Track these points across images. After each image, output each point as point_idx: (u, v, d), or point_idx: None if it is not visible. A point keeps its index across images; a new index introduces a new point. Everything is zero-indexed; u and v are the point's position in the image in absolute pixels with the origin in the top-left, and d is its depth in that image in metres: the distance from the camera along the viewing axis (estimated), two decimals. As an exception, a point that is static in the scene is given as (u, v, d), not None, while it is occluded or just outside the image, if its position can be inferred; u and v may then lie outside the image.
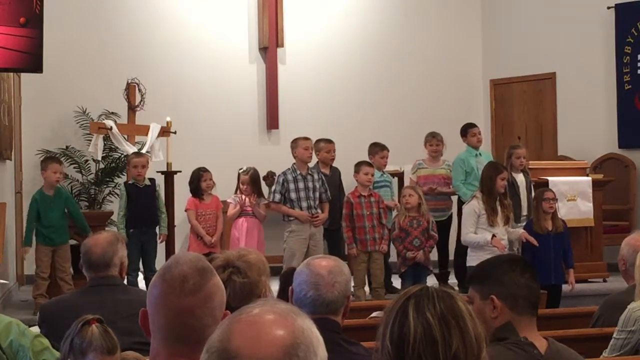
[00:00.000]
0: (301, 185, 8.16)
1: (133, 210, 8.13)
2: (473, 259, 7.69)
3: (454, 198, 9.21)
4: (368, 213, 8.18)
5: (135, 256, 8.06)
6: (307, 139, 8.39)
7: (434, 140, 9.16)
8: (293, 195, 8.13)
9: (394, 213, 8.74)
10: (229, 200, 8.45)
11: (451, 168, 9.18)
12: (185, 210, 8.45)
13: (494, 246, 7.48)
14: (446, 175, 9.14)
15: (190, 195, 8.48)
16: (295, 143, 8.33)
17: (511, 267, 3.05)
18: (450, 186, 9.15)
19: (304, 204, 8.12)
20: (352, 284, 7.53)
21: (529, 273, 3.04)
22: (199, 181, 8.38)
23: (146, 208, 8.21)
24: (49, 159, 8.28)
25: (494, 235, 7.53)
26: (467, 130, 9.25)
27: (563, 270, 7.78)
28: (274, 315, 1.45)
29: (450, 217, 9.14)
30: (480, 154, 9.19)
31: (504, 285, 2.98)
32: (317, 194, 8.22)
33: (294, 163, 8.28)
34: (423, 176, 9.07)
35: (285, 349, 1.41)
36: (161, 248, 8.48)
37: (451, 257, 9.17)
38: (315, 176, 8.30)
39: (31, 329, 4.46)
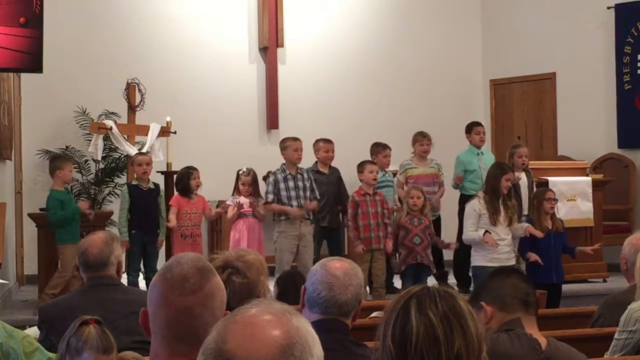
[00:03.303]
0: (291, 184, 8.17)
1: (136, 212, 8.10)
2: (476, 259, 7.70)
3: (454, 197, 9.19)
4: (373, 211, 8.18)
5: (137, 257, 8.06)
6: (296, 139, 8.36)
7: (424, 140, 9.13)
8: (284, 194, 8.13)
9: (396, 214, 8.74)
10: (227, 202, 8.42)
11: (441, 167, 9.18)
12: (169, 206, 8.38)
13: (485, 242, 7.48)
14: (435, 174, 9.13)
15: (177, 194, 8.42)
16: (283, 144, 8.33)
17: (497, 274, 3.26)
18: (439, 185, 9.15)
19: (295, 203, 8.12)
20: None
21: (516, 274, 3.23)
22: (189, 179, 8.34)
23: (149, 211, 8.18)
24: (62, 157, 8.22)
25: (486, 231, 7.53)
26: (472, 128, 9.26)
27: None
28: (269, 315, 1.45)
29: (439, 217, 9.12)
30: (482, 153, 9.19)
31: (490, 290, 3.16)
32: (308, 193, 8.22)
33: (283, 163, 8.28)
34: (414, 176, 9.05)
35: (280, 348, 1.40)
36: (162, 248, 8.47)
37: (446, 257, 9.16)
38: (305, 175, 8.30)
39: (30, 329, 4.47)
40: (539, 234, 7.56)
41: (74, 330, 3.10)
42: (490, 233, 7.53)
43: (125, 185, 8.46)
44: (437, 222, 9.00)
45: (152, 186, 8.29)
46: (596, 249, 7.90)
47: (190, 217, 8.31)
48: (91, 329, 3.08)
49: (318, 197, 8.34)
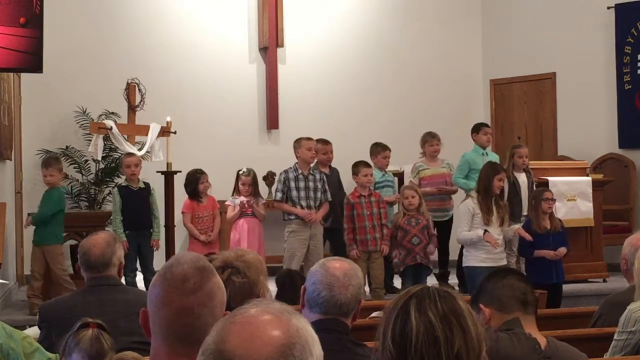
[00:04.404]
0: (302, 184, 8.16)
1: (127, 213, 8.10)
2: (469, 259, 7.71)
3: (455, 197, 9.19)
4: (368, 213, 8.18)
5: (132, 257, 8.04)
6: (310, 139, 8.37)
7: (434, 141, 9.15)
8: (294, 193, 8.12)
9: (395, 209, 8.74)
10: (227, 202, 8.42)
11: (452, 166, 9.19)
12: (182, 213, 8.43)
13: (486, 241, 7.48)
14: (448, 174, 9.15)
15: (187, 197, 8.45)
16: (298, 143, 8.32)
17: (493, 275, 3.28)
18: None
19: (304, 203, 8.11)
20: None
21: (513, 275, 3.26)
22: (197, 183, 8.35)
23: (141, 211, 8.19)
24: (45, 160, 8.22)
25: (486, 231, 7.53)
26: (481, 128, 9.26)
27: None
28: (268, 315, 1.45)
29: (452, 217, 9.13)
30: (487, 154, 9.20)
31: (488, 291, 3.19)
32: (318, 194, 8.21)
33: (296, 163, 8.27)
34: (427, 177, 9.07)
35: (280, 348, 1.40)
36: (161, 248, 8.47)
37: (452, 257, 9.16)
38: (317, 176, 8.29)
39: (30, 329, 4.47)
40: (527, 236, 7.56)
41: (74, 330, 3.10)
42: (488, 232, 7.54)
43: (116, 187, 8.48)
44: (449, 222, 9.01)
45: (142, 185, 8.30)
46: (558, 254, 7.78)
47: (202, 221, 8.34)
48: (88, 332, 3.08)
49: (330, 199, 8.33)
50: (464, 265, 7.82)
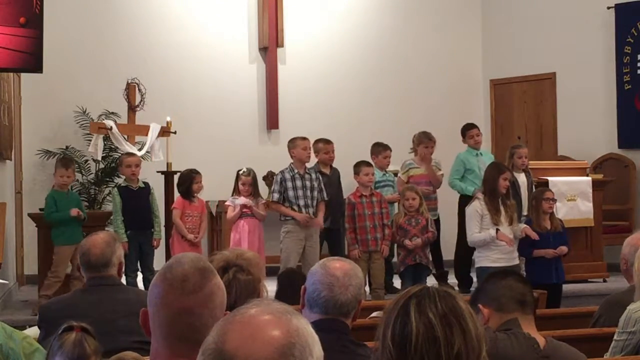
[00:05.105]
0: (299, 183, 8.14)
1: (128, 213, 8.09)
2: (481, 260, 7.65)
3: (454, 197, 9.17)
4: (369, 213, 8.17)
5: (133, 257, 8.03)
6: (305, 138, 8.35)
7: (430, 143, 9.09)
8: (291, 193, 8.11)
9: (395, 208, 8.73)
10: (227, 203, 8.41)
11: (439, 165, 9.16)
12: (172, 209, 8.40)
13: (501, 240, 7.45)
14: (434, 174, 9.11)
15: (180, 195, 8.43)
16: (293, 143, 8.30)
17: (492, 276, 3.34)
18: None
19: (301, 203, 8.10)
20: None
21: (511, 276, 3.30)
22: (191, 183, 8.33)
23: (141, 210, 8.16)
24: (60, 160, 8.20)
25: (498, 230, 7.50)
26: (466, 132, 9.25)
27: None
28: (269, 315, 1.45)
29: (439, 217, 9.10)
30: (481, 154, 9.18)
31: (487, 292, 3.24)
32: (315, 193, 8.19)
33: (292, 163, 8.27)
34: (416, 176, 9.04)
35: (280, 349, 1.40)
36: (161, 248, 8.46)
37: (446, 256, 9.15)
38: (313, 176, 8.28)
39: (30, 329, 4.47)
40: (534, 235, 7.54)
41: (58, 333, 3.10)
42: (501, 231, 7.51)
43: (115, 188, 8.46)
44: (437, 222, 8.98)
45: (142, 185, 8.28)
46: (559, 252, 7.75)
47: (190, 219, 8.32)
48: (71, 335, 3.07)
49: (326, 198, 8.31)
50: (476, 266, 7.77)
